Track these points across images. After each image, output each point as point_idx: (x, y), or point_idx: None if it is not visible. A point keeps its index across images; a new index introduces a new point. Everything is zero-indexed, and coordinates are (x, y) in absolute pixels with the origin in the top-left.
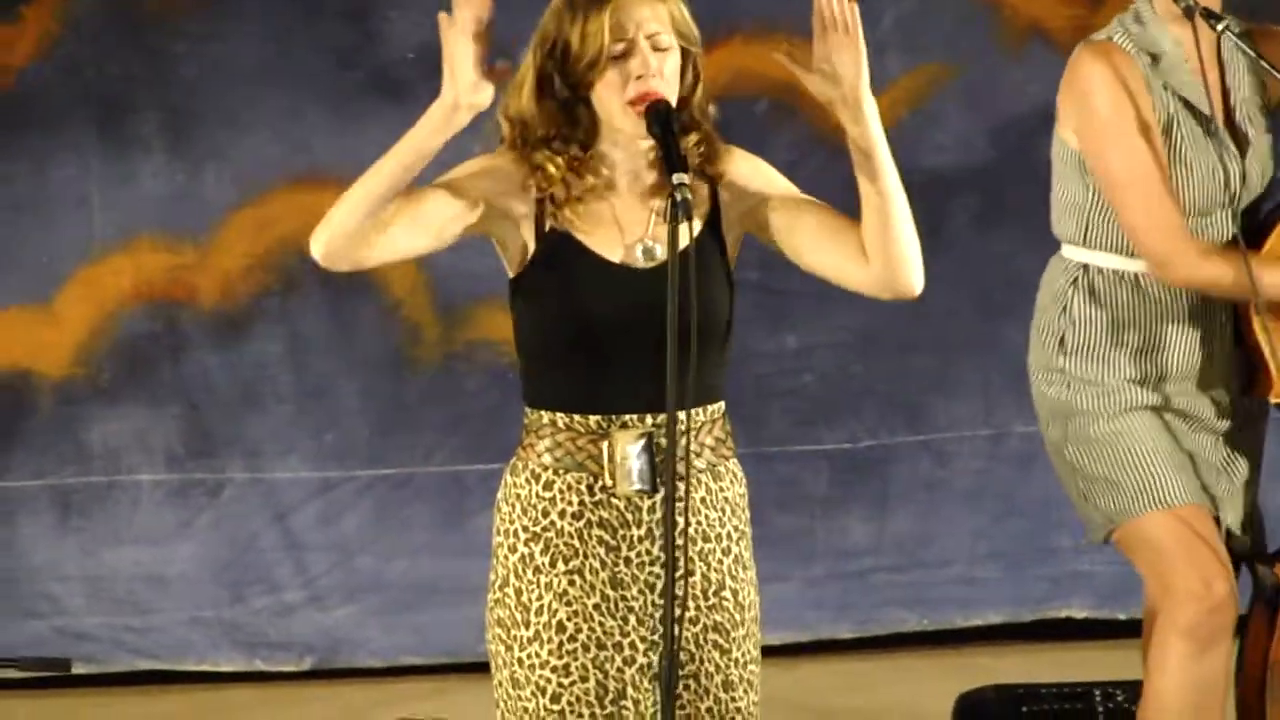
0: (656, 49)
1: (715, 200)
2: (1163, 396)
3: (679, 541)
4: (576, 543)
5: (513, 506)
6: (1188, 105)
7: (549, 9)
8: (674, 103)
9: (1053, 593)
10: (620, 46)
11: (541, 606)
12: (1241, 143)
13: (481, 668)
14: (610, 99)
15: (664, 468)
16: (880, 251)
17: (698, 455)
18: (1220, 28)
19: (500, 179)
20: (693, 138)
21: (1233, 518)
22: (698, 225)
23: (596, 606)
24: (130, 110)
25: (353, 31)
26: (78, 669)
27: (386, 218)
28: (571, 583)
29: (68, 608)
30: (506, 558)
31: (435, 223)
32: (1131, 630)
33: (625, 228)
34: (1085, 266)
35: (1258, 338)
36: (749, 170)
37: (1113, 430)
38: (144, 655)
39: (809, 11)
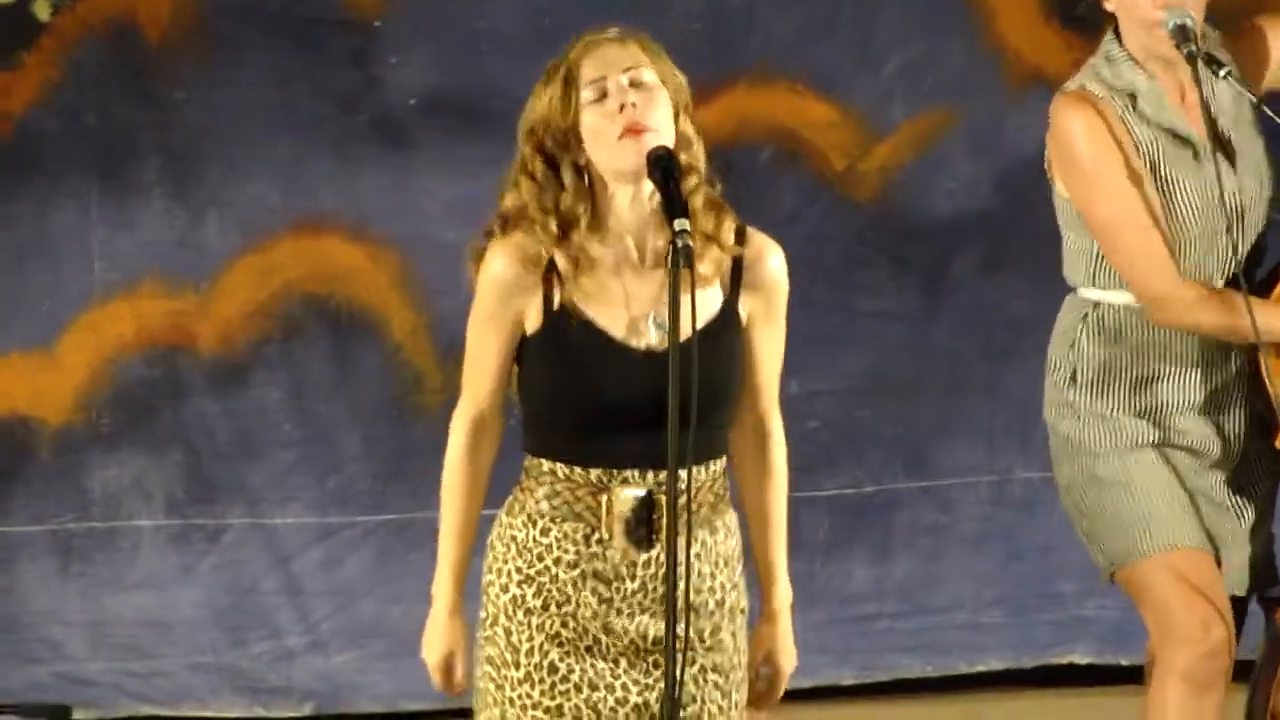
0: (635, 85)
1: (737, 273)
2: (1168, 432)
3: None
4: (570, 590)
5: (507, 547)
6: (1174, 134)
7: (529, 97)
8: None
9: (1056, 638)
10: (595, 87)
11: (532, 648)
12: (1232, 157)
13: None
14: (599, 144)
15: (660, 524)
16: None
17: (696, 511)
18: (1223, 74)
19: (509, 288)
20: (692, 180)
21: (1238, 558)
22: (716, 296)
23: (589, 649)
24: (132, 156)
25: (355, 77)
26: (78, 715)
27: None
28: (564, 624)
29: (68, 653)
30: (497, 597)
31: (510, 359)
32: (1135, 676)
33: (633, 300)
34: (1096, 304)
35: (1267, 387)
36: (780, 286)
37: (1117, 469)
38: (145, 701)
39: (812, 58)
